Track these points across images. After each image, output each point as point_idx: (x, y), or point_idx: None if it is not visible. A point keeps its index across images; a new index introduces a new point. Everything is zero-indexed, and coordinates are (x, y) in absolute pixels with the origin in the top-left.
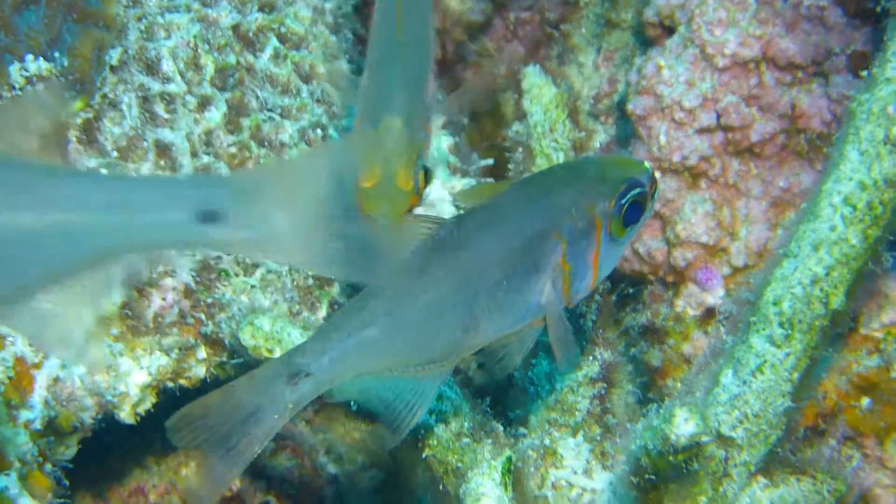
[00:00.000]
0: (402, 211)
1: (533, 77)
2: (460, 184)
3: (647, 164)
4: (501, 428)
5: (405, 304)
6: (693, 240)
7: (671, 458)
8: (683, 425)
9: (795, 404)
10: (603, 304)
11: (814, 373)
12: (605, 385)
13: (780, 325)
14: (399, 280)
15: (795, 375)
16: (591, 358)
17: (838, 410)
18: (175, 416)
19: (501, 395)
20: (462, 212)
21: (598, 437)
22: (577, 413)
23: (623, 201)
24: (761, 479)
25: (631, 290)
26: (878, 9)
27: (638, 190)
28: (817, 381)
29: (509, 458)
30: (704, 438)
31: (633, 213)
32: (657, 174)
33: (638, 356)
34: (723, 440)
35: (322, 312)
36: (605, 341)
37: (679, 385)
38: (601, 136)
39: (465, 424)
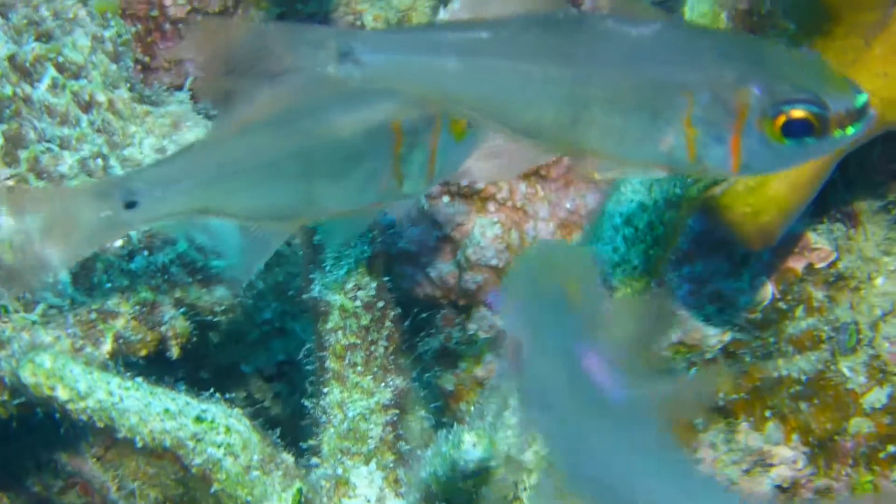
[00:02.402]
0: None
1: None
2: None
3: (862, 97)
4: (292, 459)
5: None
6: (483, 263)
7: (461, 484)
8: (472, 450)
9: None
10: (394, 331)
11: None
12: (397, 411)
13: None
14: None
15: None
16: (382, 384)
17: None
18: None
19: (293, 425)
20: None
21: (391, 465)
22: (369, 441)
23: (780, 109)
24: None
25: (424, 315)
26: None
27: (803, 109)
28: None
29: (299, 490)
30: (493, 463)
31: (797, 127)
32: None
33: (431, 381)
34: (513, 463)
35: (106, 346)
36: (397, 367)
37: (471, 409)
38: None
39: (254, 457)
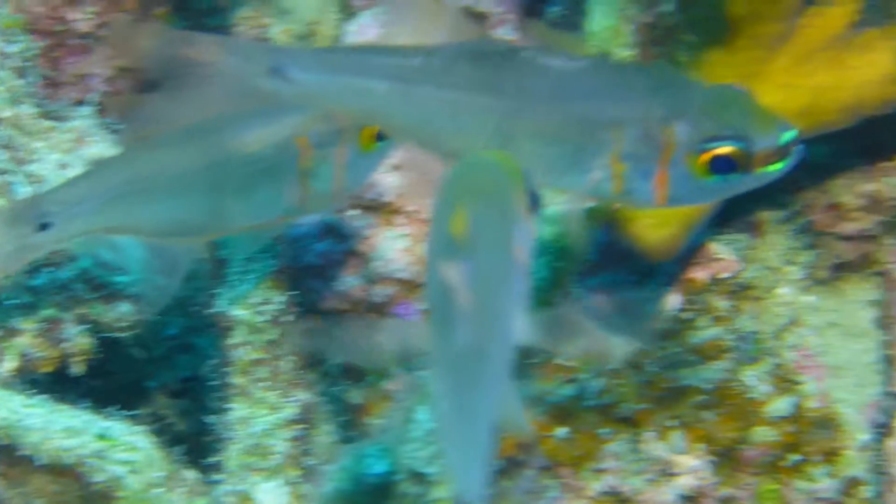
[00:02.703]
0: None
1: None
2: None
3: (788, 134)
4: (196, 476)
5: None
6: (391, 276)
7: (364, 498)
8: (375, 464)
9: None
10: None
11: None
12: (303, 426)
13: None
14: None
15: None
16: (288, 400)
17: (536, 440)
18: None
19: (198, 442)
20: None
21: (297, 480)
22: (274, 456)
23: (706, 147)
24: None
25: None
26: None
27: (728, 145)
28: None
29: None
30: (397, 476)
31: (722, 164)
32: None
33: (339, 395)
34: (416, 477)
35: (10, 364)
36: (304, 382)
37: (378, 422)
38: None
39: (157, 474)
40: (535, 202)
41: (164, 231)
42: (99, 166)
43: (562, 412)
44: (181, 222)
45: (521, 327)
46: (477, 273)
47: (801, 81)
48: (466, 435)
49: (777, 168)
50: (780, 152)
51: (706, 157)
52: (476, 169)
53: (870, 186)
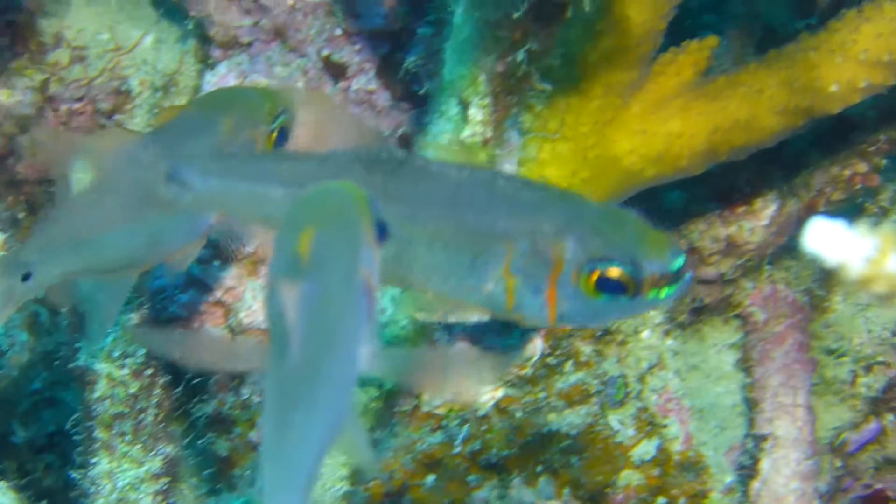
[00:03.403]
0: None
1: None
2: None
3: (679, 260)
4: None
5: None
6: (255, 326)
7: None
8: None
9: (357, 487)
10: (164, 398)
11: (378, 454)
12: (168, 480)
13: None
14: None
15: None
16: (152, 453)
17: (405, 489)
18: None
19: (65, 497)
20: None
21: None
22: None
23: (594, 266)
24: None
25: (197, 381)
26: (421, 92)
27: (616, 267)
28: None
29: None
30: None
31: (610, 286)
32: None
33: (206, 447)
34: None
35: None
36: (167, 435)
37: (244, 474)
38: None
39: None
40: (382, 232)
41: (119, 265)
42: (54, 217)
43: (430, 460)
44: (126, 258)
45: (368, 352)
46: (317, 293)
47: (654, 128)
48: (289, 456)
49: (667, 294)
50: (670, 278)
51: (595, 276)
52: (324, 195)
53: (727, 231)
